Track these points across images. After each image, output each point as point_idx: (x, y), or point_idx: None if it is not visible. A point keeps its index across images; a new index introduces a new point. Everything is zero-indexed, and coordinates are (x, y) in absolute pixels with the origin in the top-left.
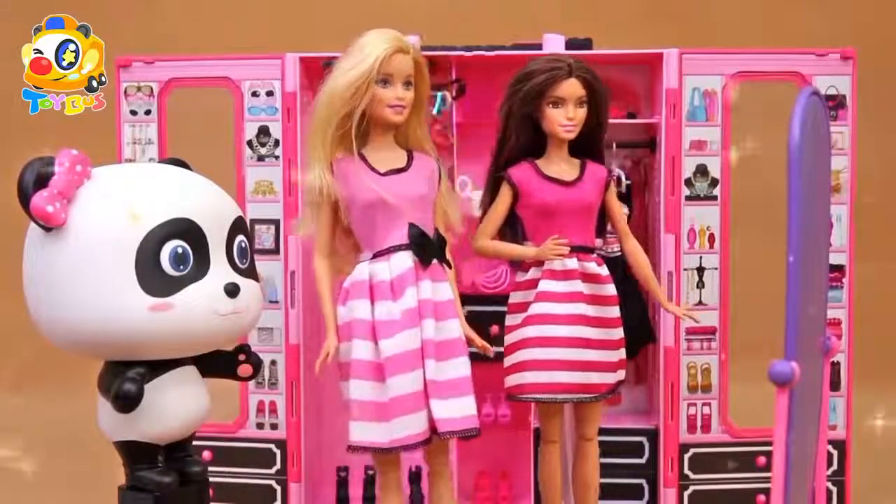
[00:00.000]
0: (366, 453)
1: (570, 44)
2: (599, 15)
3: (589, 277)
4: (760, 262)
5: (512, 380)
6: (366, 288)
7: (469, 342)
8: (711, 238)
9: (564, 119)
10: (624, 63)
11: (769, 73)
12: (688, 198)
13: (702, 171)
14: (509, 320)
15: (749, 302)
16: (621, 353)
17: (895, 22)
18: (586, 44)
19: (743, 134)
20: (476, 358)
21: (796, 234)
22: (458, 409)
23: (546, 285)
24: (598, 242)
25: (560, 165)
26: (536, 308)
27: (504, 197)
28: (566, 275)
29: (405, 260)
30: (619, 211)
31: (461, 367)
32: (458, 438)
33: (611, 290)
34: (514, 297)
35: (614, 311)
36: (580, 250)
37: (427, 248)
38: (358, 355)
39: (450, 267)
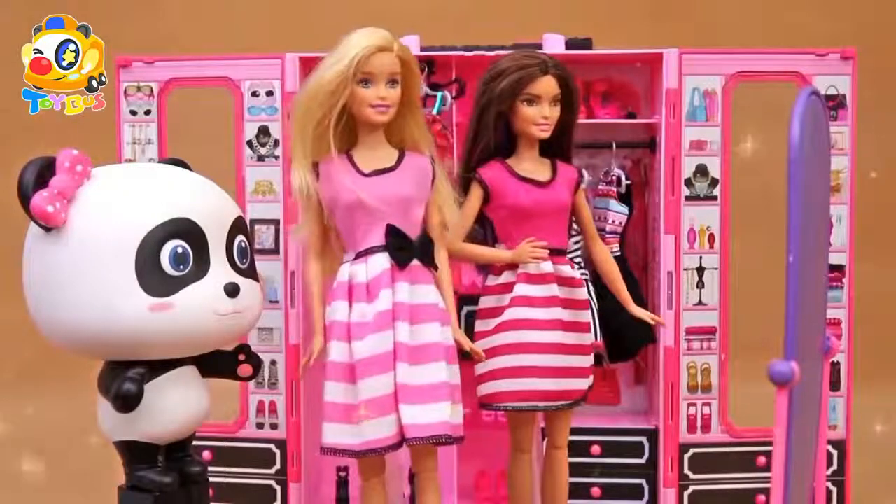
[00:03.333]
0: (338, 456)
1: (570, 44)
2: (599, 15)
3: (563, 281)
4: (760, 262)
5: (485, 388)
6: (345, 289)
7: (459, 347)
8: (711, 238)
9: (540, 118)
10: (624, 63)
11: (769, 73)
12: (688, 198)
13: (702, 171)
14: (480, 326)
15: (749, 302)
16: (591, 359)
17: (895, 22)
18: (586, 44)
19: (743, 134)
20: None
21: (796, 234)
22: (429, 415)
23: (522, 289)
24: (571, 244)
25: (532, 165)
26: (512, 313)
27: (474, 198)
28: (542, 278)
29: (381, 261)
30: (589, 213)
31: (437, 372)
32: (432, 444)
33: (583, 293)
34: (486, 302)
35: (586, 316)
36: (554, 253)
37: (405, 249)
38: (333, 357)
39: (436, 269)
